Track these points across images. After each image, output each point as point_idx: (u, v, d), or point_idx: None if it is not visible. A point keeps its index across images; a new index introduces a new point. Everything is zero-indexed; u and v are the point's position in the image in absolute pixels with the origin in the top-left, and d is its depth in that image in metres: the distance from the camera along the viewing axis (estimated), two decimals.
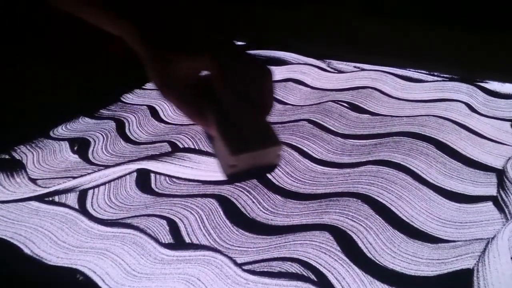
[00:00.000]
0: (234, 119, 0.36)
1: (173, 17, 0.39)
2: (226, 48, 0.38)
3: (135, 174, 0.81)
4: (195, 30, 0.38)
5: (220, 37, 0.37)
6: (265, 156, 0.36)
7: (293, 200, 0.73)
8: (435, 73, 1.07)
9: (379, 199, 0.71)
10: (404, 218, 0.67)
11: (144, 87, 1.12)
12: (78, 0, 0.40)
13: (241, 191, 0.75)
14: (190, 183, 0.78)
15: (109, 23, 0.40)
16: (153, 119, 0.98)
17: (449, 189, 0.73)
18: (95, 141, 0.91)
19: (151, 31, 0.38)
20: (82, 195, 0.76)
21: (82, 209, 0.73)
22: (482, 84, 1.01)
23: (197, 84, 0.38)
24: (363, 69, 1.12)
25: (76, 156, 0.87)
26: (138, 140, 0.91)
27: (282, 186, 0.76)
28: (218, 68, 0.36)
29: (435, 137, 0.84)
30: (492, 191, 0.72)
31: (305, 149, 0.84)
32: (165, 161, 0.83)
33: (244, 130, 0.36)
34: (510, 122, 0.88)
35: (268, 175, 0.78)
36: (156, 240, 0.66)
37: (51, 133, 0.94)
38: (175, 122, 0.97)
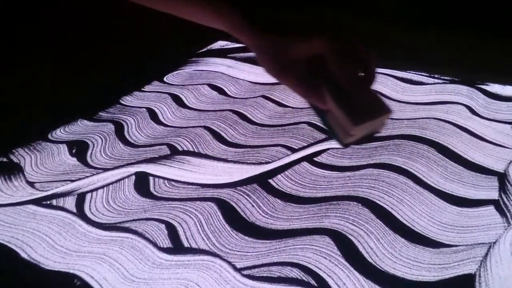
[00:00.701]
0: (348, 92, 0.39)
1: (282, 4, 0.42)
2: (339, 32, 0.40)
3: (133, 177, 0.80)
4: (310, 18, 0.41)
5: (331, 23, 0.41)
6: (377, 123, 0.40)
7: (293, 204, 0.72)
8: (436, 76, 1.07)
9: (380, 203, 0.70)
10: (405, 222, 0.67)
11: (143, 89, 1.12)
12: None
13: (241, 195, 0.74)
14: (189, 186, 0.77)
15: (211, 14, 0.42)
16: (152, 122, 0.98)
17: (450, 192, 0.72)
18: (93, 144, 0.90)
19: (262, 19, 0.41)
20: (80, 199, 0.75)
21: (80, 213, 0.73)
22: (482, 87, 1.00)
23: (307, 65, 0.41)
24: None
25: (75, 159, 0.86)
26: (137, 143, 0.91)
27: (282, 189, 0.75)
28: (335, 48, 0.39)
29: (436, 140, 0.84)
30: (494, 194, 0.71)
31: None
32: (164, 164, 0.82)
33: (360, 102, 0.40)
34: (511, 125, 0.88)
35: (268, 179, 0.77)
36: (155, 245, 0.66)
37: (49, 136, 0.93)
38: (174, 125, 0.96)
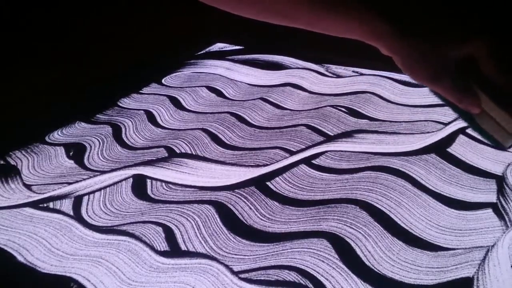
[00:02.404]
0: (506, 93, 0.38)
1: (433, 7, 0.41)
2: (492, 32, 0.41)
3: (131, 180, 0.80)
4: (458, 15, 0.41)
5: (482, 23, 0.41)
6: None
7: (290, 207, 0.72)
8: None
9: (377, 205, 0.70)
10: (403, 225, 0.67)
11: (141, 91, 1.11)
12: (314, 9, 0.40)
13: (238, 197, 0.74)
14: (187, 189, 0.77)
15: (350, 22, 0.40)
16: (149, 124, 0.98)
17: (448, 195, 0.72)
18: (91, 146, 0.90)
19: (408, 24, 0.39)
20: (77, 202, 0.75)
21: (77, 216, 0.72)
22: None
23: (464, 68, 0.40)
24: (361, 74, 1.11)
25: (72, 161, 0.86)
26: (134, 145, 0.90)
27: (280, 192, 0.75)
28: (492, 48, 0.38)
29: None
30: (492, 197, 0.71)
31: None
32: (162, 167, 0.82)
33: None
34: None
35: (266, 182, 0.77)
36: (152, 248, 0.65)
37: (46, 138, 0.93)
38: (172, 127, 0.96)
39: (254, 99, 1.04)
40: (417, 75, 0.40)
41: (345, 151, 0.84)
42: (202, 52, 1.31)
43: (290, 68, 1.17)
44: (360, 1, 0.39)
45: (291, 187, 0.76)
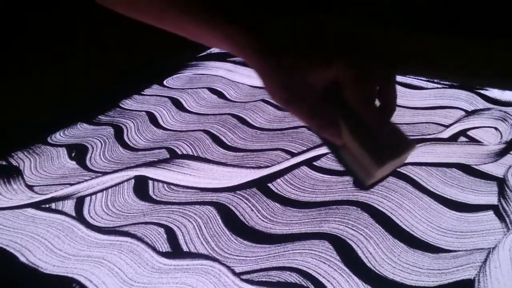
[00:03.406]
0: (368, 126, 0.34)
1: (298, 23, 0.37)
2: (361, 54, 0.36)
3: (133, 181, 0.80)
4: (329, 37, 0.36)
5: (353, 44, 0.36)
6: (402, 159, 0.36)
7: (292, 208, 0.72)
8: (435, 80, 1.07)
9: (379, 207, 0.70)
10: (405, 227, 0.67)
11: (142, 93, 1.12)
12: (179, 15, 0.37)
13: (240, 199, 0.74)
14: (188, 190, 0.77)
15: (216, 36, 0.36)
16: (151, 125, 0.98)
17: (449, 197, 0.72)
18: (93, 148, 0.90)
19: (274, 41, 0.35)
20: (79, 202, 0.75)
21: (79, 217, 0.73)
22: (482, 92, 1.01)
23: (323, 93, 0.36)
24: None
25: (74, 162, 0.86)
26: (136, 147, 0.91)
27: (281, 193, 0.75)
28: (355, 76, 0.34)
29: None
30: (493, 200, 0.71)
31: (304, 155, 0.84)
32: (163, 168, 0.82)
33: (381, 137, 0.35)
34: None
35: (267, 183, 0.77)
36: (154, 249, 0.66)
37: (48, 139, 0.93)
38: (173, 128, 0.96)
39: (255, 101, 1.05)
40: (274, 94, 0.36)
41: None
42: (203, 53, 1.31)
43: None
44: (227, 13, 0.36)
45: (293, 188, 0.76)
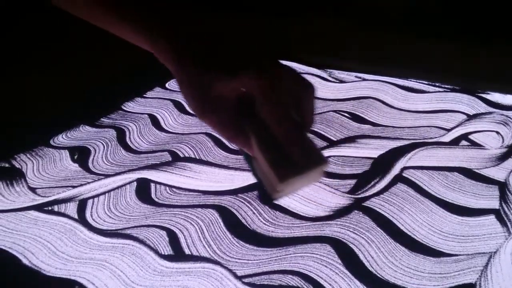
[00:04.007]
0: (278, 140, 0.33)
1: (211, 32, 0.36)
2: (270, 64, 0.35)
3: (135, 183, 0.80)
4: (236, 46, 0.35)
5: (262, 53, 0.35)
6: (311, 175, 0.35)
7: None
8: (437, 84, 1.07)
9: (380, 211, 0.71)
10: (406, 231, 0.67)
11: (145, 95, 1.12)
12: (107, 13, 0.37)
13: (242, 202, 0.74)
14: (191, 193, 0.78)
15: (140, 38, 0.36)
16: (153, 128, 0.98)
17: (451, 201, 0.72)
18: (95, 150, 0.91)
19: (187, 48, 0.35)
20: (82, 205, 0.76)
21: (82, 219, 0.73)
22: (483, 95, 1.01)
23: (236, 103, 0.36)
24: (364, 79, 1.12)
25: (76, 165, 0.86)
26: (138, 149, 0.91)
27: None
28: (262, 87, 0.33)
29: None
30: (495, 204, 0.71)
31: None
32: (166, 171, 0.83)
33: (291, 152, 0.33)
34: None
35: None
36: (156, 252, 0.66)
37: (51, 142, 0.93)
38: (175, 131, 0.97)
39: None
40: (188, 103, 0.35)
41: (348, 156, 0.84)
42: None
43: None
44: (149, 21, 0.35)
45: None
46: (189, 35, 0.35)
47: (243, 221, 0.71)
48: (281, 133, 0.33)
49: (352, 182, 0.78)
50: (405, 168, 0.79)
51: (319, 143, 0.89)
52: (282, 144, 0.33)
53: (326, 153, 0.85)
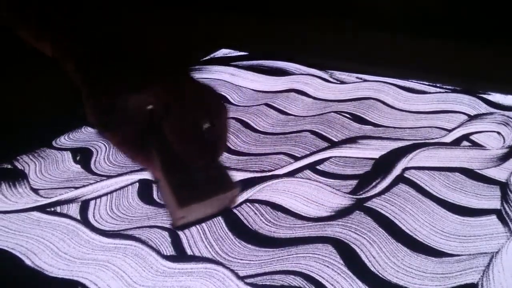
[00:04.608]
0: (183, 162, 0.31)
1: (122, 37, 0.33)
2: (179, 79, 0.32)
3: (137, 184, 0.81)
4: (148, 56, 0.32)
5: (172, 65, 0.32)
6: (218, 202, 0.32)
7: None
8: (438, 85, 1.07)
9: (382, 211, 0.71)
10: (408, 231, 0.67)
11: None
12: (14, 16, 0.35)
13: (243, 202, 0.74)
14: None
15: (43, 44, 0.33)
16: None
17: (452, 202, 0.72)
18: (97, 151, 0.91)
19: (88, 58, 0.31)
20: (84, 206, 0.76)
21: (84, 220, 0.73)
22: (484, 96, 1.01)
23: (142, 120, 0.32)
24: (365, 80, 1.12)
25: (79, 166, 0.87)
26: None
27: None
28: (165, 102, 0.31)
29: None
30: (496, 204, 0.71)
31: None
32: None
33: (194, 175, 0.31)
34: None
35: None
36: (158, 252, 0.66)
37: (53, 143, 0.94)
38: None
39: (258, 105, 1.05)
40: (87, 115, 0.32)
41: (349, 157, 0.85)
42: (206, 58, 1.32)
43: (295, 74, 1.18)
44: (53, 32, 0.33)
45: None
46: (93, 39, 0.32)
47: (245, 221, 0.71)
48: (183, 154, 0.31)
49: (354, 182, 0.78)
50: (406, 168, 0.80)
51: (320, 144, 0.89)
52: (187, 167, 0.31)
53: (327, 154, 0.86)
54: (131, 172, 0.84)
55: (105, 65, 0.31)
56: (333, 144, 0.89)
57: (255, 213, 0.72)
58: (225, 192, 0.31)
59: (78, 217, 0.74)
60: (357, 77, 1.14)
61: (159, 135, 0.32)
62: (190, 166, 0.31)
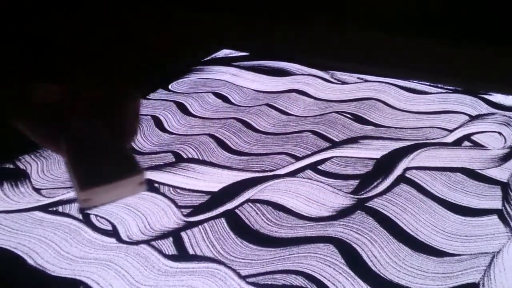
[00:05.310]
0: (87, 146, 0.32)
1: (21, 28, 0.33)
2: (84, 67, 0.34)
3: None
4: (50, 45, 0.33)
5: (79, 53, 0.33)
6: (124, 187, 0.32)
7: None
8: (439, 85, 1.07)
9: (383, 211, 0.71)
10: (409, 231, 0.67)
11: (148, 97, 1.13)
12: None
13: (246, 202, 0.75)
14: (194, 193, 0.78)
15: None
16: (157, 129, 0.99)
17: (453, 201, 0.73)
18: None
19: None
20: None
21: (86, 220, 0.73)
22: (485, 96, 1.01)
23: (50, 106, 0.33)
24: (366, 80, 1.12)
25: None
26: (142, 150, 0.91)
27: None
28: (72, 89, 0.32)
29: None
30: (497, 204, 0.71)
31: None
32: (169, 172, 0.83)
33: (98, 160, 0.32)
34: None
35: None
36: (160, 252, 0.66)
37: None
38: (179, 132, 0.97)
39: (260, 105, 1.05)
40: None
41: (350, 157, 0.85)
42: (208, 58, 1.32)
43: (296, 74, 1.18)
44: None
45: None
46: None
47: (246, 221, 0.71)
48: (87, 138, 0.31)
49: (355, 182, 0.78)
50: (407, 168, 0.80)
51: (322, 144, 0.89)
52: (92, 152, 0.32)
53: (328, 154, 0.86)
54: None
55: (10, 55, 0.32)
56: (334, 144, 0.89)
57: (257, 213, 0.72)
58: (130, 177, 0.32)
59: (80, 217, 0.74)
60: (358, 78, 1.14)
61: (65, 121, 0.33)
62: (93, 151, 0.32)
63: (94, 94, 0.32)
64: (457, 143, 0.87)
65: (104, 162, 0.32)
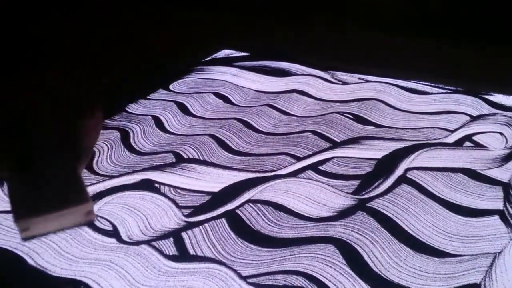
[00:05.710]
0: (33, 167, 0.28)
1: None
2: (45, 83, 0.31)
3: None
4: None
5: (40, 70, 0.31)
6: (67, 217, 0.29)
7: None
8: (440, 85, 1.07)
9: (384, 212, 0.71)
10: (410, 232, 0.67)
11: (149, 97, 1.13)
12: None
13: (246, 203, 0.74)
14: (194, 194, 0.78)
15: None
16: (157, 129, 0.99)
17: (455, 202, 0.72)
18: (99, 151, 0.91)
19: None
20: None
21: None
22: (486, 97, 1.01)
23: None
24: (367, 81, 1.12)
25: None
26: (142, 151, 0.91)
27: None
28: (40, 89, 0.30)
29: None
30: (499, 204, 0.71)
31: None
32: (170, 172, 0.83)
33: (42, 184, 0.28)
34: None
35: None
36: (161, 252, 0.66)
37: None
38: (179, 133, 0.97)
39: (260, 105, 1.05)
40: None
41: (351, 157, 0.85)
42: (208, 58, 1.32)
43: (297, 74, 1.18)
44: None
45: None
46: None
47: (247, 221, 0.71)
48: (36, 161, 0.28)
49: (356, 183, 0.78)
50: (409, 169, 0.80)
51: (323, 144, 0.89)
52: (36, 176, 0.28)
53: (329, 154, 0.86)
54: (134, 172, 0.84)
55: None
56: (335, 145, 0.89)
57: (258, 213, 0.72)
58: (75, 206, 0.29)
59: None
60: (359, 78, 1.14)
61: (12, 142, 0.29)
62: (39, 175, 0.29)
63: (61, 97, 0.29)
64: (458, 143, 0.87)
65: (48, 187, 0.28)
